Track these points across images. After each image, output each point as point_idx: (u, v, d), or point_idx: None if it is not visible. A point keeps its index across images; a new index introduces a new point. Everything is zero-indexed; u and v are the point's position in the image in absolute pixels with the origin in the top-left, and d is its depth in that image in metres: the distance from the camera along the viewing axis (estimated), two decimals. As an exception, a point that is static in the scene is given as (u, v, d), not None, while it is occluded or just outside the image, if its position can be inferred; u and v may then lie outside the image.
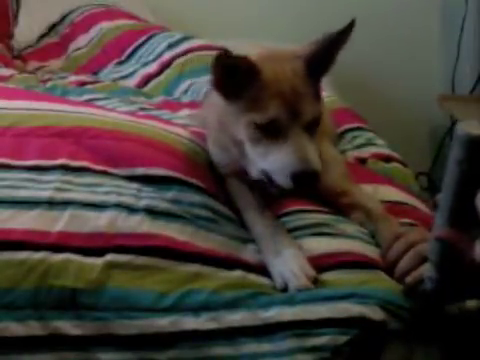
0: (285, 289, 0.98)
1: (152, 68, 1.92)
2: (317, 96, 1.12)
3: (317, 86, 1.13)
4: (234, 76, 1.06)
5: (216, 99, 1.15)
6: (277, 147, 1.05)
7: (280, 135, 1.06)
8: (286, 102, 1.06)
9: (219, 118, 1.16)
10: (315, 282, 0.97)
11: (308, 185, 1.06)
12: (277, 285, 0.99)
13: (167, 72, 1.89)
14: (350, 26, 1.09)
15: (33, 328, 0.90)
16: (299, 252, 1.02)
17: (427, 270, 0.87)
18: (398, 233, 1.04)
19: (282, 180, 1.05)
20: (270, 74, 1.07)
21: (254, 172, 1.11)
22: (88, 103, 1.47)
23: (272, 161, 1.06)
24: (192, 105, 1.67)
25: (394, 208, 1.20)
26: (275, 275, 1.00)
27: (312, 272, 0.98)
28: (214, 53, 1.05)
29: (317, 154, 1.06)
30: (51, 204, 1.00)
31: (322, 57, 1.11)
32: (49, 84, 1.73)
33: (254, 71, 1.07)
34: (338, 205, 1.17)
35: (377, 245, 1.08)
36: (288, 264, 0.99)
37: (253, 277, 1.00)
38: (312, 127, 1.09)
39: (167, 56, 1.92)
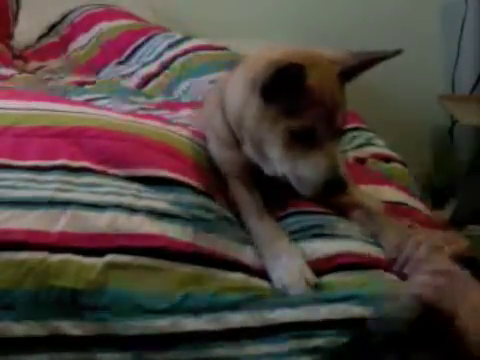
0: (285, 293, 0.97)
1: (152, 68, 1.92)
2: (346, 105, 1.12)
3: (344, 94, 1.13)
4: (281, 80, 1.04)
5: (236, 96, 1.14)
6: (309, 154, 1.06)
7: (313, 142, 1.06)
8: (325, 111, 1.07)
9: (240, 114, 1.13)
10: (315, 287, 0.97)
11: (335, 194, 1.08)
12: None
13: (167, 72, 1.89)
14: (395, 53, 1.11)
15: (33, 328, 0.90)
16: (299, 256, 1.02)
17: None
18: (407, 235, 1.04)
19: (309, 187, 1.06)
20: (314, 81, 1.06)
21: (271, 171, 1.12)
22: (88, 103, 1.47)
23: (303, 168, 1.06)
24: (192, 105, 1.67)
25: (393, 209, 1.20)
26: (275, 280, 1.00)
27: (312, 277, 0.98)
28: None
29: (343, 163, 1.07)
30: (51, 204, 1.00)
31: (356, 71, 1.13)
32: (49, 84, 1.73)
33: (302, 77, 1.04)
34: (338, 205, 1.16)
35: (377, 244, 1.08)
36: (287, 269, 0.99)
37: (254, 279, 0.99)
38: (341, 135, 1.11)
39: (167, 56, 1.92)
